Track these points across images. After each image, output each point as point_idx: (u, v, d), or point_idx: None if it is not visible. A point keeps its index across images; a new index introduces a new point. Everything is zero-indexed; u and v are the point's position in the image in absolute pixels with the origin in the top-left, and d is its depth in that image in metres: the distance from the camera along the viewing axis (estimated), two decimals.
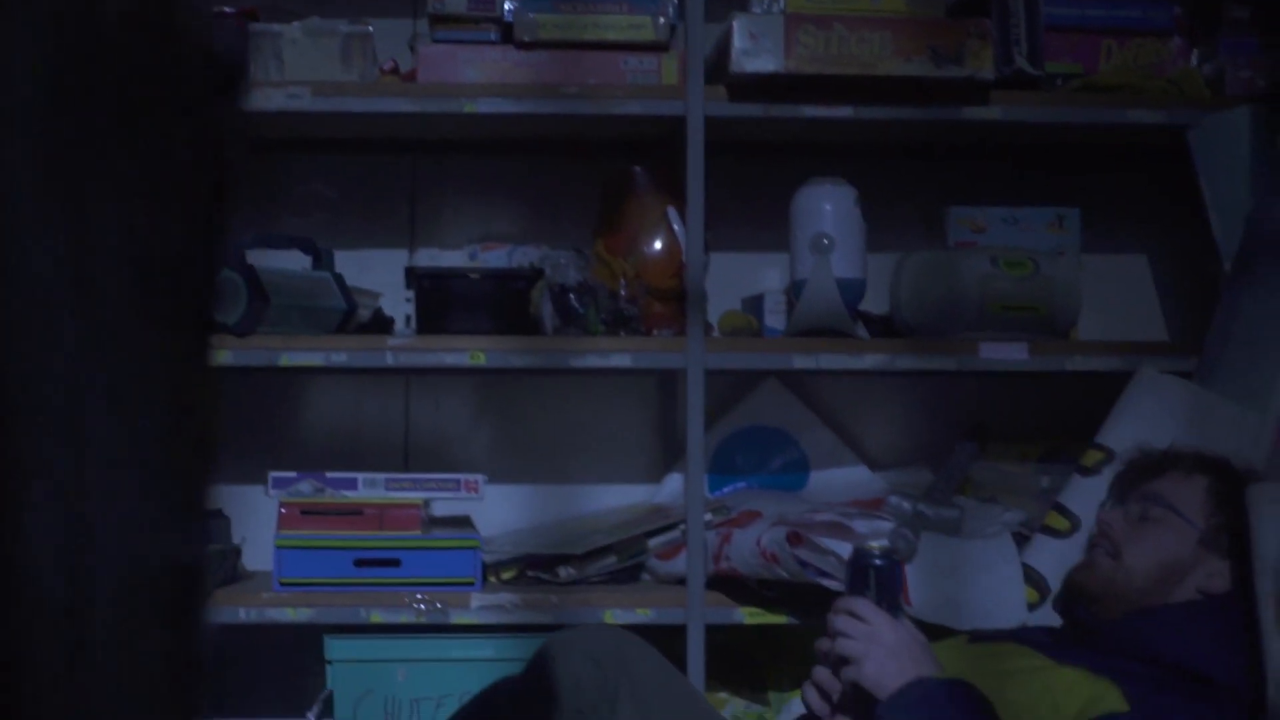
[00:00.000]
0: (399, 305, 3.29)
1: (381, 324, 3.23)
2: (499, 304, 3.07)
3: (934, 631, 2.68)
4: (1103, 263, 3.54)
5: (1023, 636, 2.53)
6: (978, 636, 2.59)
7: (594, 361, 3.04)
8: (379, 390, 3.49)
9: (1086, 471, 2.88)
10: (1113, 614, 2.40)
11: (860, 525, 2.83)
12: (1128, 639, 2.33)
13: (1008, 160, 3.52)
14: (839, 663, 2.26)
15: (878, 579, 2.30)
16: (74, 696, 1.10)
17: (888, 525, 2.84)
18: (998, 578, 2.85)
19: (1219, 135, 3.08)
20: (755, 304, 3.33)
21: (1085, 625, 2.43)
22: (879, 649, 2.22)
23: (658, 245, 3.19)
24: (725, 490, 3.43)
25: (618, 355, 3.04)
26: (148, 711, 1.15)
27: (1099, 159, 3.52)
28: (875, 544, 2.58)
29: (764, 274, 3.47)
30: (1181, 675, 2.25)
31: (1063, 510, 2.87)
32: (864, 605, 2.27)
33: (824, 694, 2.29)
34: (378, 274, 3.38)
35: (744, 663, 3.28)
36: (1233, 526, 2.37)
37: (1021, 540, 2.92)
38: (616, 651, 2.21)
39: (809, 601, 2.91)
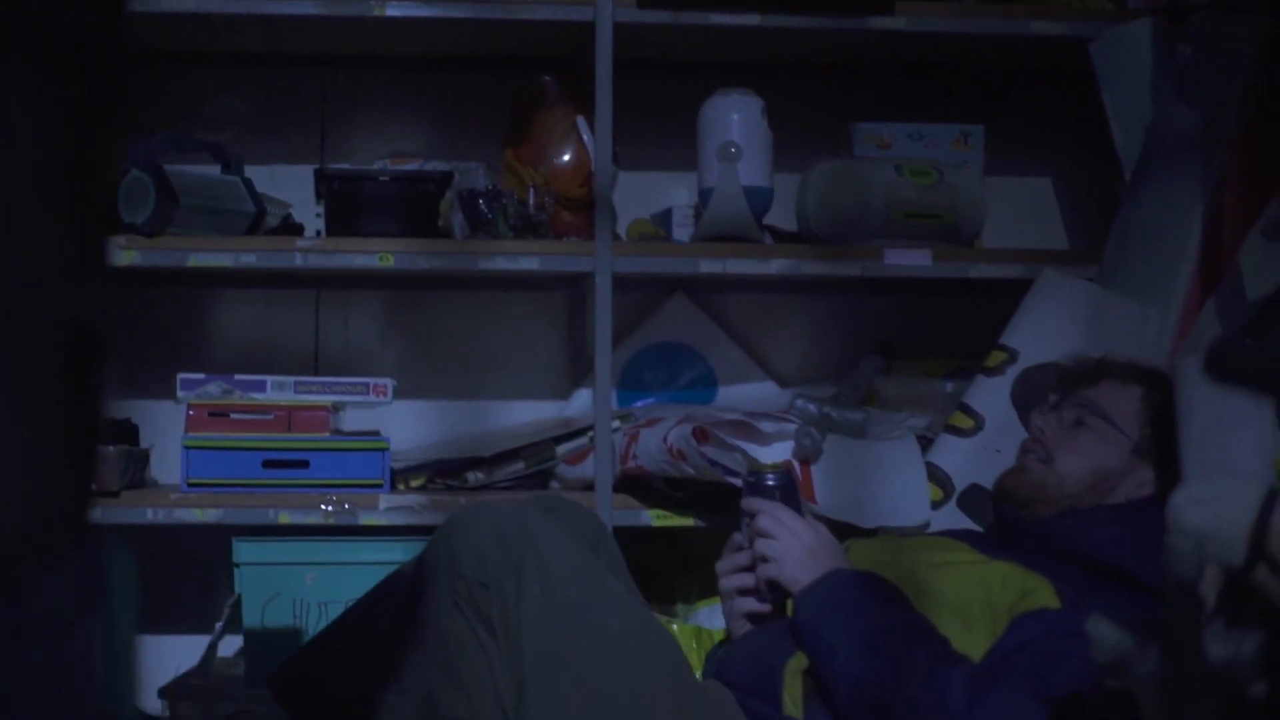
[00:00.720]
0: (309, 219, 3.29)
1: (291, 229, 3.23)
2: (409, 207, 3.08)
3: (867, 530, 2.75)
4: (1007, 185, 3.57)
5: (954, 533, 2.57)
6: (909, 533, 2.69)
7: (503, 265, 3.05)
8: (288, 305, 3.49)
9: (990, 372, 2.92)
10: (1041, 516, 2.43)
11: (766, 425, 2.86)
12: (1056, 537, 2.36)
13: (914, 82, 3.56)
14: (759, 562, 2.37)
15: (780, 495, 2.41)
16: None
17: (792, 426, 2.87)
18: (902, 477, 2.88)
19: (1121, 47, 3.13)
20: (663, 218, 3.35)
21: (1014, 525, 2.45)
22: (799, 548, 2.33)
23: (567, 156, 3.21)
24: (633, 405, 3.45)
25: (526, 259, 3.05)
26: (43, 467, 1.15)
27: (1005, 81, 3.56)
28: (766, 462, 2.62)
29: (672, 192, 3.48)
30: (1110, 576, 2.27)
31: (967, 409, 2.91)
32: (784, 510, 2.37)
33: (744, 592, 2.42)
34: (288, 188, 3.37)
35: (652, 576, 3.30)
36: (1165, 437, 2.39)
37: (926, 444, 2.96)
38: (521, 524, 2.20)
39: (715, 502, 2.95)
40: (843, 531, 2.64)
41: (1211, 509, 1.65)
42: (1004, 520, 2.50)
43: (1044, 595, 2.22)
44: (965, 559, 2.35)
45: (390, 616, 2.28)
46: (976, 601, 2.26)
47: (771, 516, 2.37)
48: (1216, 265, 2.78)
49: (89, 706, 1.15)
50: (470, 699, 2.17)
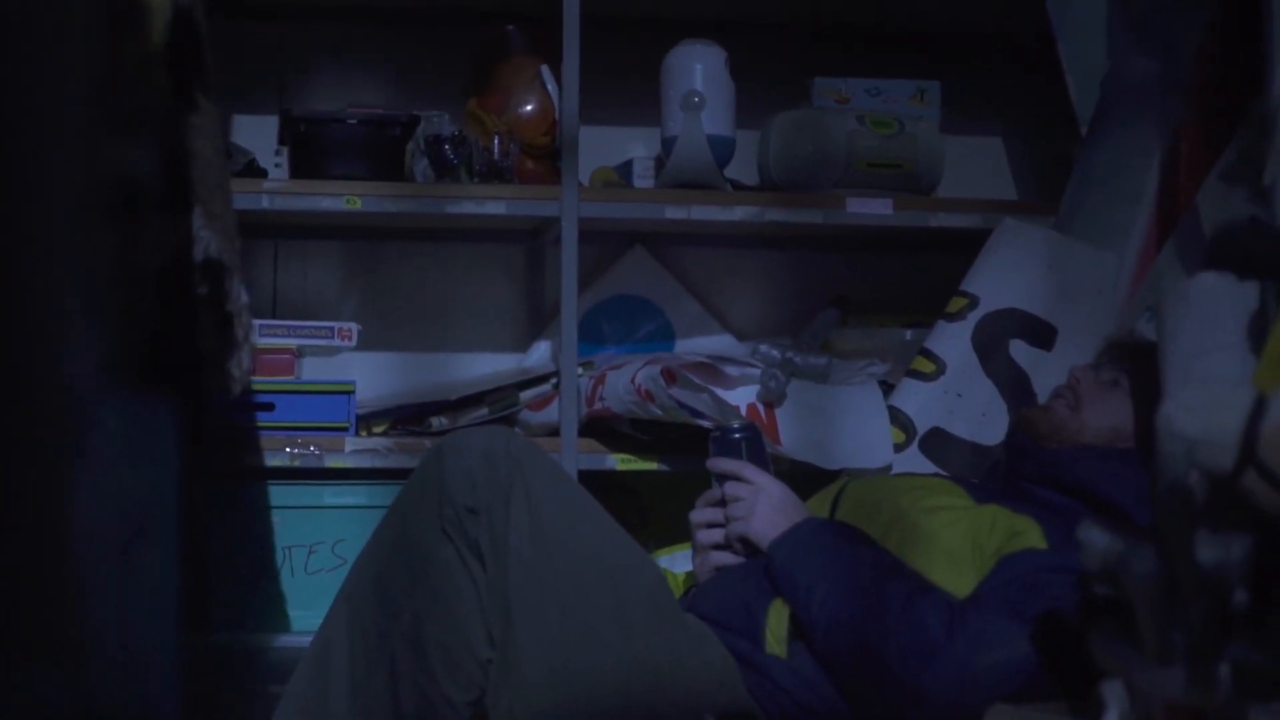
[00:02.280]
0: (269, 168, 3.28)
1: (256, 173, 3.22)
2: (375, 151, 3.08)
3: None
4: (959, 144, 3.60)
5: (951, 478, 2.61)
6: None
7: (470, 209, 3.06)
8: (246, 255, 3.45)
9: (952, 317, 2.96)
10: (1053, 447, 2.47)
11: (731, 369, 2.89)
12: (1064, 466, 2.40)
13: (872, 43, 3.59)
14: (730, 519, 2.42)
15: (747, 448, 2.46)
16: (26, 288, 1.12)
17: (756, 370, 2.90)
18: (864, 420, 2.93)
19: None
20: (624, 170, 3.36)
21: (1023, 452, 2.50)
22: (766, 505, 2.38)
23: (530, 105, 3.22)
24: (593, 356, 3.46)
25: (493, 203, 3.06)
26: (96, 313, 1.17)
27: (959, 44, 3.59)
28: (730, 420, 2.65)
29: (629, 147, 3.49)
30: (1105, 513, 2.31)
31: (929, 354, 2.95)
32: (750, 468, 2.42)
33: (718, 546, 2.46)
34: (246, 138, 3.35)
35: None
36: None
37: (888, 390, 3.00)
38: (509, 450, 2.22)
39: (680, 446, 2.97)
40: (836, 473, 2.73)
41: (1202, 416, 1.68)
42: (1014, 448, 2.55)
43: (1032, 537, 2.25)
44: (959, 504, 2.38)
45: (379, 544, 2.29)
46: (967, 545, 2.30)
47: (739, 476, 2.42)
48: (1174, 209, 2.83)
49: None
50: (457, 626, 2.19)
